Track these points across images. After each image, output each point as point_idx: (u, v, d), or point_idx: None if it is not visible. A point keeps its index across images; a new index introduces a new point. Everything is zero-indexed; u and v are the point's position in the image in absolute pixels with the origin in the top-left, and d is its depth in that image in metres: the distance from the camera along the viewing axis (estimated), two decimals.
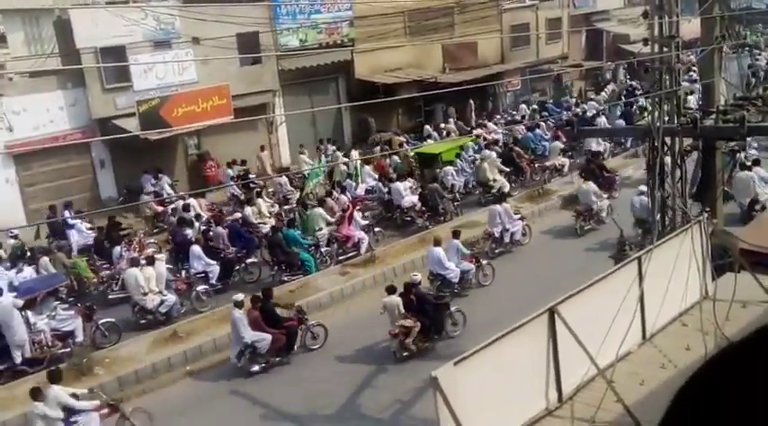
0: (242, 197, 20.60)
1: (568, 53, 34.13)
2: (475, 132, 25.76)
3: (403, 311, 12.59)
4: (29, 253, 16.98)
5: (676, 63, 11.21)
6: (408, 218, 19.49)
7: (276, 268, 16.49)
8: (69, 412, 10.27)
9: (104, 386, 12.35)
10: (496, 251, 17.14)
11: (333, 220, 17.71)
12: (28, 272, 15.05)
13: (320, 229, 17.29)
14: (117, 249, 16.47)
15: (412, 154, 22.98)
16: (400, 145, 24.28)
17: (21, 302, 12.90)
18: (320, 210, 17.70)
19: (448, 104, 28.56)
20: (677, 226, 11.01)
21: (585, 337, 7.39)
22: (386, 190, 20.17)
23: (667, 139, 11.39)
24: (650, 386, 7.46)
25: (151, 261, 14.94)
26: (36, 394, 10.25)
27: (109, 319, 14.23)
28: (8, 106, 20.09)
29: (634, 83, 33.11)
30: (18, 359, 12.66)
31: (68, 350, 13.27)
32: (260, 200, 19.27)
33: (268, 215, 18.86)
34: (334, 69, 25.98)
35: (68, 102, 21.07)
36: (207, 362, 13.31)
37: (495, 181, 21.00)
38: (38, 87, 21.05)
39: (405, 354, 12.52)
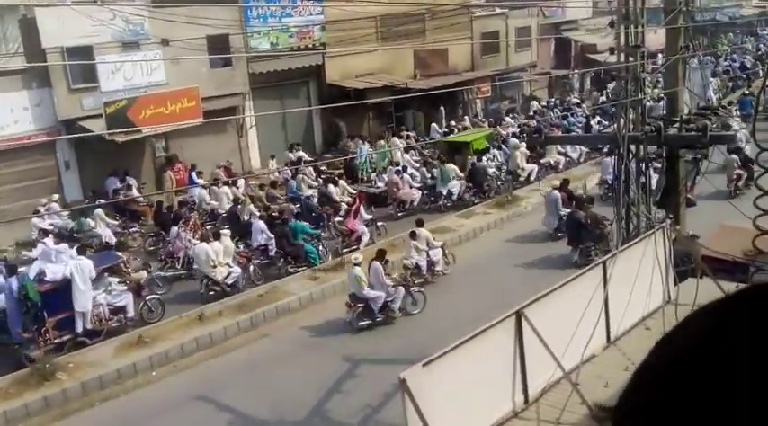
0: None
1: (537, 62, 34.56)
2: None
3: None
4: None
5: (641, 72, 11.45)
6: (450, 203, 21.11)
7: (282, 260, 16.81)
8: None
9: (68, 391, 12.19)
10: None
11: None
12: (71, 251, 14.83)
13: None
14: (174, 229, 17.16)
15: (442, 142, 24.47)
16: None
17: (93, 268, 13.75)
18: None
19: (418, 110, 28.80)
20: (641, 231, 11.23)
21: (551, 340, 7.51)
22: (429, 175, 21.76)
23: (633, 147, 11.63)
24: (614, 389, 7.59)
25: (217, 236, 16.04)
26: None
27: (155, 295, 15.15)
28: None
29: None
30: (80, 328, 13.57)
31: (121, 324, 14.28)
32: (342, 182, 21.02)
33: (348, 194, 20.45)
34: (305, 73, 25.97)
35: (33, 102, 20.68)
36: (172, 368, 13.18)
37: (523, 169, 22.83)
38: (2, 87, 20.64)
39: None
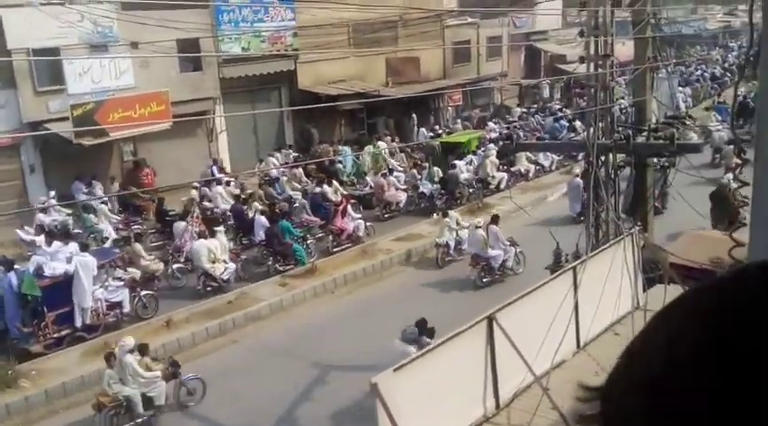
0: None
1: (508, 71, 34.92)
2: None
3: None
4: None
5: (610, 81, 11.63)
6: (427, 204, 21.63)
7: (272, 259, 17.12)
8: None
9: (30, 398, 11.89)
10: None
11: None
12: (72, 247, 14.87)
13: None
14: (181, 224, 17.48)
15: (437, 143, 25.21)
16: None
17: (96, 265, 14.01)
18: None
19: (390, 117, 28.89)
20: (610, 238, 11.37)
21: (522, 345, 7.54)
22: (419, 177, 22.25)
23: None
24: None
25: (212, 233, 16.51)
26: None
27: (149, 291, 15.21)
28: None
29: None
30: (79, 323, 13.73)
31: (117, 319, 14.47)
32: (334, 182, 21.29)
33: (340, 195, 20.56)
34: (276, 79, 25.85)
35: None
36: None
37: (493, 177, 22.94)
38: None
39: None
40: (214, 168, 23.22)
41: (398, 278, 17.17)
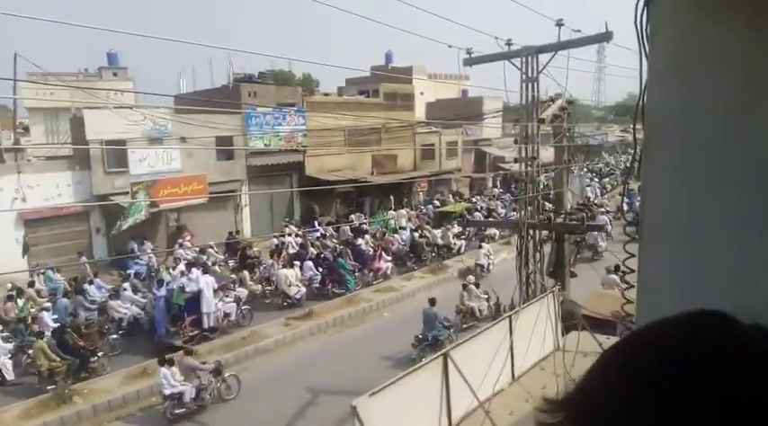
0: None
1: (462, 167, 35.55)
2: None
3: None
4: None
5: (536, 176, 11.85)
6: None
7: (330, 284, 18.03)
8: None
9: (81, 413, 11.31)
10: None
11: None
12: (195, 274, 15.58)
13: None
14: (269, 261, 18.43)
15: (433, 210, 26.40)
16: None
17: (215, 284, 15.16)
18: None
19: (375, 197, 29.16)
20: (537, 294, 11.33)
21: (470, 376, 7.37)
22: (417, 234, 22.49)
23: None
24: (517, 416, 7.44)
25: (291, 265, 17.61)
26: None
27: (247, 307, 16.00)
28: (24, 181, 19.04)
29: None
30: (206, 325, 14.70)
31: (227, 324, 15.30)
32: (367, 236, 21.81)
33: (372, 245, 20.99)
34: (289, 167, 26.06)
35: (75, 180, 20.16)
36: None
37: (455, 244, 23.00)
38: (51, 167, 20.11)
39: None
40: (315, 222, 23.41)
41: (376, 321, 16.87)
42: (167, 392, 11.03)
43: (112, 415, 11.52)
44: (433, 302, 14.11)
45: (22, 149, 22.97)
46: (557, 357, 9.16)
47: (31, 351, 12.49)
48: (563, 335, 10.20)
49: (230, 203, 24.22)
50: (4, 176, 18.81)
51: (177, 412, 11.11)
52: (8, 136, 25.79)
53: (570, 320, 10.71)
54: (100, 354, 12.99)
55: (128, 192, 19.87)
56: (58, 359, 12.11)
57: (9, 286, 15.58)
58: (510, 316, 8.95)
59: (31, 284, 16.17)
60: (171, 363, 11.23)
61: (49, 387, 11.83)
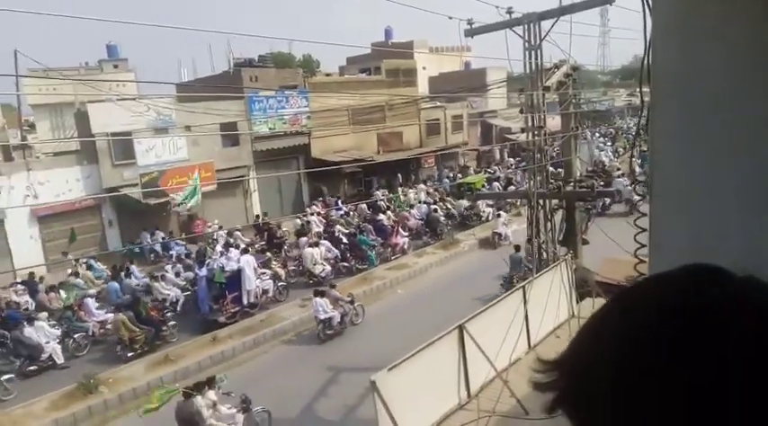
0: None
1: (468, 140, 35.29)
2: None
3: None
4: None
5: (544, 145, 11.77)
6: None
7: (353, 261, 18.48)
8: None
9: (108, 401, 11.59)
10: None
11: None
12: (234, 254, 16.39)
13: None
14: (303, 239, 18.65)
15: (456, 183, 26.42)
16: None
17: (254, 261, 15.63)
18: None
19: (381, 177, 29.08)
20: (550, 263, 11.35)
21: (486, 347, 7.45)
22: (434, 209, 22.53)
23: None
24: None
25: (316, 244, 17.90)
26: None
27: (283, 283, 16.53)
28: (34, 178, 19.22)
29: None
30: (245, 302, 15.17)
31: (265, 300, 15.78)
32: (389, 212, 22.05)
33: (393, 221, 21.23)
34: (295, 150, 26.03)
35: (84, 175, 20.30)
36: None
37: (483, 212, 23.42)
38: (60, 163, 20.25)
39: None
40: (339, 202, 24.19)
41: (390, 299, 17.00)
42: (322, 317, 13.40)
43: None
44: (517, 248, 15.47)
45: (30, 146, 23.14)
46: (572, 324, 9.23)
47: (76, 336, 13.81)
48: (577, 302, 10.24)
49: (239, 189, 24.31)
50: (14, 174, 18.98)
51: (328, 333, 13.54)
52: (15, 134, 25.95)
53: (584, 287, 10.75)
54: (171, 323, 14.27)
55: (136, 184, 19.99)
56: (137, 329, 13.37)
57: (19, 280, 16.37)
58: (523, 286, 8.99)
59: (76, 274, 17.05)
60: (323, 294, 13.42)
61: (129, 354, 13.17)
